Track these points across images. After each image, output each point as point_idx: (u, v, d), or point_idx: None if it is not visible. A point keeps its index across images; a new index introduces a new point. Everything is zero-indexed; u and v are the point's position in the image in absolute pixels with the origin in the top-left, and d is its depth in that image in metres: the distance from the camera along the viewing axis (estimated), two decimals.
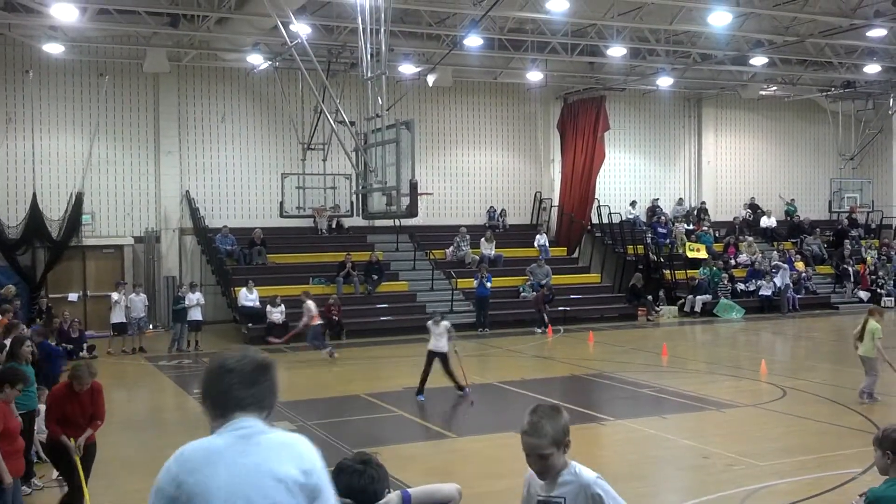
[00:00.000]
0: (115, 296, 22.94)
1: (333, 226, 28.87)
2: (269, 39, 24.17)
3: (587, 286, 29.73)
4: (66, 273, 26.04)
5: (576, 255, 31.68)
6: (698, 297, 29.20)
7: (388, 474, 3.77)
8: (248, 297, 24.29)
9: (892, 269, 33.01)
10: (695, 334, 26.83)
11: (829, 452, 11.50)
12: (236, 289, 24.67)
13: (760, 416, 14.04)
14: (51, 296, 24.79)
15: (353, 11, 17.49)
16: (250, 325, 23.91)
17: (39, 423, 11.39)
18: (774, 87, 33.64)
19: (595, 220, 32.20)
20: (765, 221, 34.97)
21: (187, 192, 27.54)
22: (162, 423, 13.84)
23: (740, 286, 30.55)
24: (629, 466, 11.06)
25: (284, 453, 3.06)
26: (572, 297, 28.22)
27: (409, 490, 3.90)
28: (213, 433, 3.10)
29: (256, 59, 25.94)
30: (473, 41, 25.06)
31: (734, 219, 34.92)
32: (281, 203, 26.49)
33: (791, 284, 30.35)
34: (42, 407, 11.63)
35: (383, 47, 15.73)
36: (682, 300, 29.50)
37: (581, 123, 31.12)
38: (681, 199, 34.79)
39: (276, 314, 23.59)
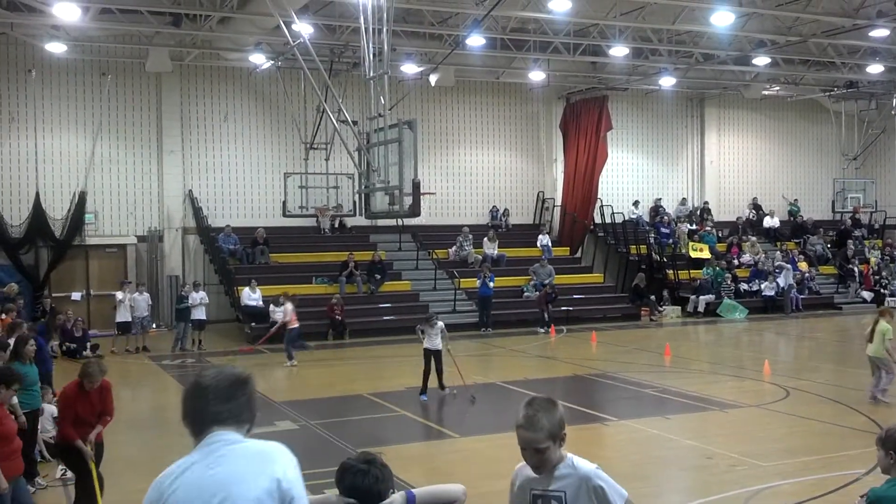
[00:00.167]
0: (119, 295, 22.95)
1: (336, 225, 28.87)
2: (271, 39, 24.18)
3: (590, 286, 29.72)
4: (69, 272, 26.07)
5: (578, 254, 31.66)
6: (701, 298, 29.18)
7: (393, 474, 3.77)
8: (251, 296, 24.29)
9: (895, 269, 32.97)
10: (698, 334, 26.81)
11: (833, 453, 11.48)
12: (239, 288, 24.68)
13: (764, 416, 14.02)
14: (54, 295, 24.82)
15: (356, 11, 17.47)
16: (253, 324, 23.91)
17: (43, 423, 11.41)
18: (777, 87, 33.60)
19: (598, 219, 32.18)
20: (768, 221, 34.94)
21: (190, 191, 27.56)
22: (165, 423, 13.84)
23: (743, 286, 30.52)
24: (632, 467, 11.04)
25: (255, 462, 3.10)
26: (575, 297, 28.21)
27: (413, 490, 3.90)
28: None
29: (259, 59, 25.95)
30: (476, 41, 25.05)
31: (737, 219, 34.90)
32: (284, 202, 26.46)
33: (794, 284, 30.33)
34: (46, 406, 11.67)
35: (386, 47, 15.71)
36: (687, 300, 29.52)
37: (584, 123, 31.10)
38: (684, 198, 34.76)
39: (279, 314, 23.56)
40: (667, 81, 30.70)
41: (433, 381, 15.65)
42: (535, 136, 32.73)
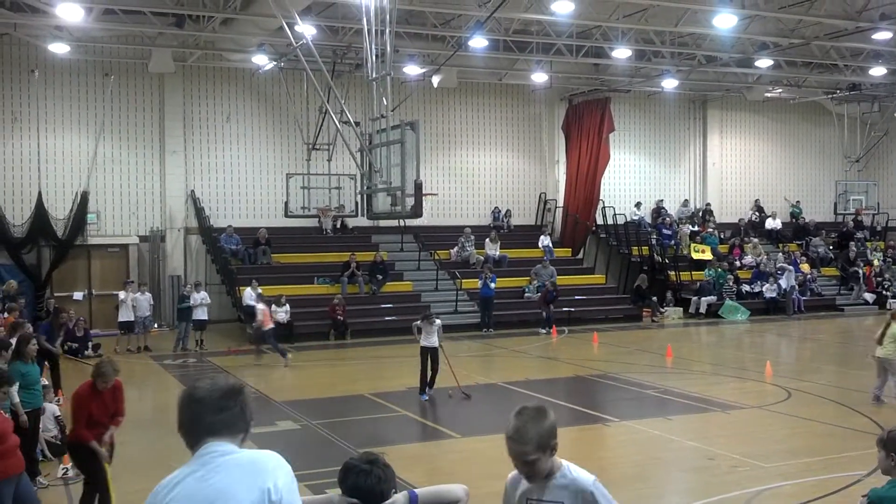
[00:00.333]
0: (122, 294, 22.95)
1: (338, 226, 28.89)
2: (274, 40, 24.21)
3: (592, 287, 29.73)
4: (71, 272, 26.12)
5: (580, 255, 31.67)
6: (703, 299, 29.18)
7: (395, 474, 3.77)
8: (253, 296, 24.28)
9: None
10: (700, 336, 26.80)
11: (835, 454, 11.48)
12: (241, 288, 24.70)
13: (765, 417, 14.01)
14: (56, 294, 24.84)
15: (359, 12, 17.49)
16: (254, 324, 23.89)
17: (45, 422, 11.44)
18: (780, 90, 33.60)
19: (600, 221, 32.17)
20: (770, 223, 34.93)
21: (192, 191, 27.59)
22: (167, 423, 13.84)
23: (745, 288, 30.50)
24: (633, 467, 11.06)
25: (248, 473, 3.12)
26: (577, 297, 28.22)
27: (416, 490, 3.90)
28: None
29: (261, 60, 25.99)
30: (478, 42, 25.07)
31: (739, 220, 34.89)
32: (286, 203, 26.51)
33: (796, 286, 30.32)
34: (47, 405, 11.69)
35: (388, 48, 15.74)
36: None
37: (586, 125, 31.11)
38: (686, 200, 34.76)
39: (281, 314, 23.61)
40: (669, 83, 30.70)
41: (441, 382, 15.70)
42: (538, 138, 32.74)
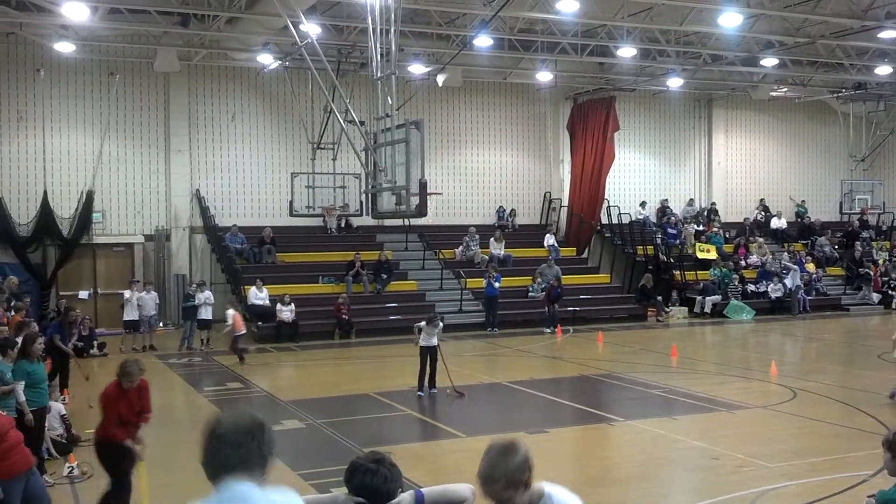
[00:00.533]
0: (127, 293, 23.01)
1: (343, 225, 28.91)
2: (279, 39, 24.22)
3: (597, 286, 29.70)
4: (76, 271, 26.17)
5: (585, 255, 31.65)
6: (708, 298, 29.15)
7: (401, 474, 3.78)
8: (258, 295, 24.35)
9: None
10: (704, 335, 26.77)
11: (840, 454, 11.46)
12: (246, 287, 24.73)
13: (770, 417, 13.99)
14: (61, 293, 24.91)
15: (363, 11, 17.51)
16: (260, 323, 23.98)
17: (50, 420, 11.46)
18: (785, 89, 33.55)
19: (605, 220, 32.15)
20: (775, 222, 34.87)
21: (197, 190, 27.62)
22: (171, 421, 13.89)
23: (750, 287, 30.47)
24: (638, 467, 11.05)
25: None
26: (582, 297, 28.19)
27: (422, 490, 3.90)
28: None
29: (266, 59, 26.00)
30: (483, 41, 25.08)
31: (745, 220, 34.84)
32: (290, 202, 26.55)
33: (802, 286, 30.26)
34: (53, 404, 11.72)
35: (393, 47, 15.74)
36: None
37: (591, 124, 31.08)
38: (691, 199, 34.71)
39: (286, 313, 23.66)
40: (674, 82, 30.66)
41: (444, 382, 15.78)
42: (543, 137, 32.73)
